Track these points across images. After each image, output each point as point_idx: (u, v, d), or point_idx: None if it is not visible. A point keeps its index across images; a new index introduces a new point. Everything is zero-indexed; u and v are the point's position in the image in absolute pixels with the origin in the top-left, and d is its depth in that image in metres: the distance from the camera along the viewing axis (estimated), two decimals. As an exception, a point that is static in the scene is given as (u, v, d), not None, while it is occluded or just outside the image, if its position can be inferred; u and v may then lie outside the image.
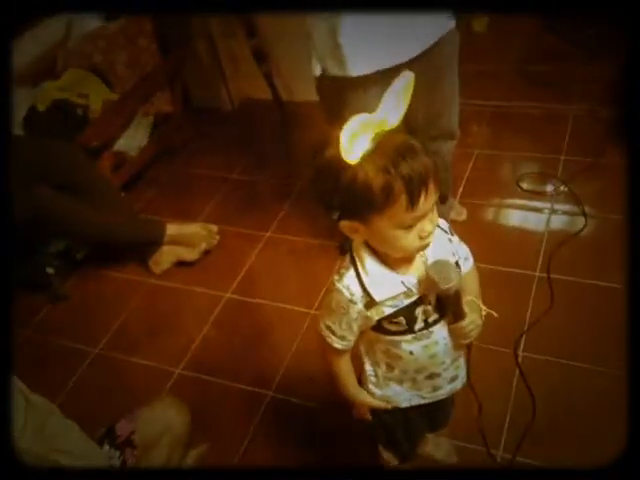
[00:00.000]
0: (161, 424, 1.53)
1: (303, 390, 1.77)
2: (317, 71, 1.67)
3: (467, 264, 1.09)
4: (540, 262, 2.00)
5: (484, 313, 1.05)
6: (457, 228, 2.12)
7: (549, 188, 2.29)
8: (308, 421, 1.71)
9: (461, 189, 2.36)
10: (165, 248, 2.25)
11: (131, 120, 2.60)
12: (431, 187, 0.88)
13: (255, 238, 2.36)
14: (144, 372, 1.92)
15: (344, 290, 0.99)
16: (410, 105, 0.87)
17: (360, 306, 0.99)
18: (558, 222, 2.17)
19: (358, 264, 0.99)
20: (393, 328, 1.02)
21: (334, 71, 1.61)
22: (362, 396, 1.18)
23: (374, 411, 1.20)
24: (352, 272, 0.99)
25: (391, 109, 0.85)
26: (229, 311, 2.10)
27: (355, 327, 1.04)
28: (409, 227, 0.90)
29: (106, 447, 1.40)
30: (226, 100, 3.11)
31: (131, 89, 2.61)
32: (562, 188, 2.26)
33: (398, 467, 1.38)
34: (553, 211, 2.20)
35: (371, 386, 1.17)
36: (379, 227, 0.90)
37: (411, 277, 0.99)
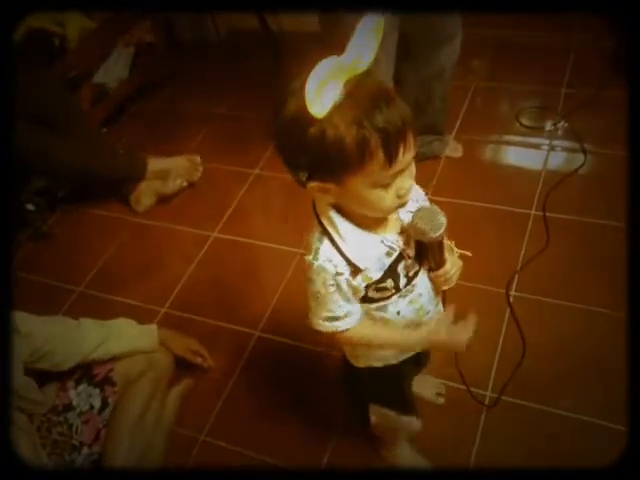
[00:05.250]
0: (144, 360, 1.51)
1: (291, 330, 1.73)
2: None
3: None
4: (536, 200, 1.93)
5: (457, 254, 0.98)
6: (452, 165, 2.11)
7: (549, 123, 2.19)
8: (295, 360, 1.68)
9: (457, 124, 2.26)
10: (146, 184, 2.17)
11: (110, 50, 2.47)
12: (410, 138, 0.78)
13: (243, 175, 2.27)
14: (129, 311, 1.87)
15: (326, 264, 0.88)
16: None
17: (347, 275, 0.89)
18: (557, 159, 2.09)
19: (331, 231, 0.88)
20: (378, 295, 0.94)
21: None
22: (429, 334, 0.97)
23: (363, 377, 1.13)
24: (327, 242, 0.88)
25: (363, 49, 0.74)
26: (216, 250, 2.04)
27: (352, 296, 0.93)
28: (387, 185, 0.81)
29: (83, 386, 1.38)
30: (212, 31, 2.95)
31: (110, 17, 2.47)
32: (562, 123, 2.17)
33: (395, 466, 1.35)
34: (552, 147, 2.12)
35: (361, 353, 1.08)
36: (354, 187, 0.80)
37: (388, 234, 0.91)
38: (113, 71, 2.48)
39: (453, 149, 2.16)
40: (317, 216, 0.90)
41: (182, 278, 1.96)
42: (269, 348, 1.72)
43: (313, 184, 0.82)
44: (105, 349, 1.43)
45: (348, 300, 0.93)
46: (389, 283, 0.93)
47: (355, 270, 0.89)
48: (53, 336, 1.35)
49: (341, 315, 0.94)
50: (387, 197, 0.82)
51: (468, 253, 0.98)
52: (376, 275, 0.91)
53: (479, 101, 2.36)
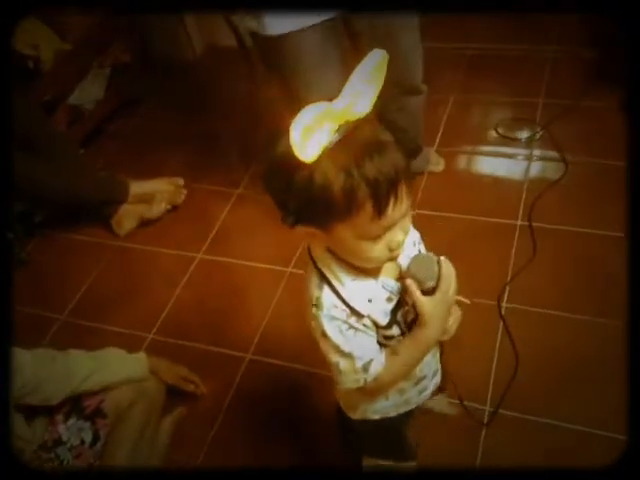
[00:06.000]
0: (134, 390, 1.46)
1: (283, 351, 1.71)
2: (246, 26, 1.52)
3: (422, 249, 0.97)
4: (521, 210, 1.94)
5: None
6: (435, 179, 2.12)
7: (528, 134, 2.22)
8: (289, 382, 1.65)
9: (438, 137, 2.27)
10: (128, 207, 2.12)
11: (86, 71, 2.43)
12: (402, 192, 0.74)
13: (225, 195, 2.25)
14: (114, 338, 1.83)
15: (333, 312, 0.83)
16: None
17: (354, 317, 0.84)
18: (539, 168, 2.11)
19: (329, 276, 0.83)
20: (386, 343, 0.90)
21: (255, 28, 1.46)
22: (429, 313, 0.86)
23: (359, 428, 1.09)
24: (327, 289, 0.83)
25: (358, 95, 0.70)
26: (201, 272, 2.01)
27: (371, 331, 0.88)
28: (377, 237, 0.77)
29: (73, 420, 1.33)
30: (187, 48, 2.93)
31: (84, 38, 2.43)
32: (542, 133, 2.19)
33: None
34: (533, 157, 2.14)
35: (360, 404, 1.04)
36: (341, 236, 0.76)
37: (387, 279, 0.87)
38: (89, 92, 2.44)
39: (435, 163, 2.16)
40: (313, 261, 0.86)
41: (168, 302, 1.92)
42: (261, 371, 1.69)
43: (300, 228, 0.79)
44: (95, 380, 1.38)
45: (370, 336, 0.87)
46: (395, 330, 0.89)
47: (359, 317, 0.85)
48: (41, 369, 1.29)
49: (373, 357, 0.87)
50: (376, 249, 0.78)
51: (467, 301, 0.96)
52: (383, 320, 0.87)
53: (459, 114, 2.38)
